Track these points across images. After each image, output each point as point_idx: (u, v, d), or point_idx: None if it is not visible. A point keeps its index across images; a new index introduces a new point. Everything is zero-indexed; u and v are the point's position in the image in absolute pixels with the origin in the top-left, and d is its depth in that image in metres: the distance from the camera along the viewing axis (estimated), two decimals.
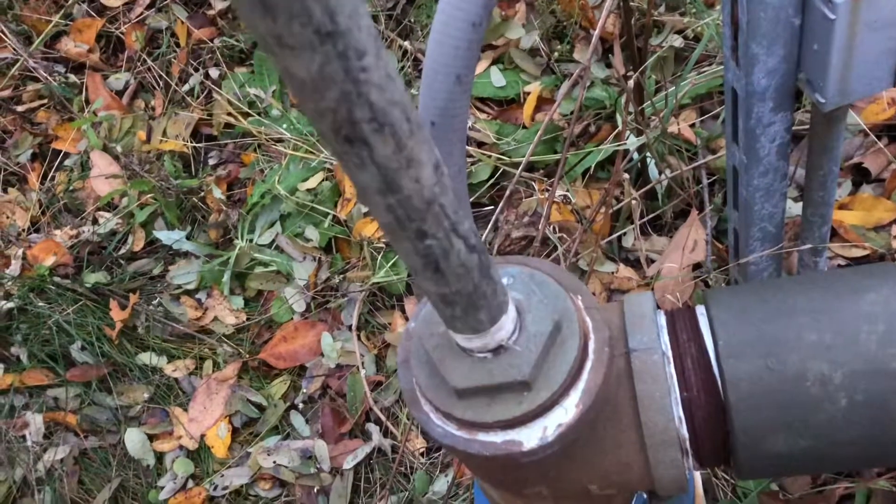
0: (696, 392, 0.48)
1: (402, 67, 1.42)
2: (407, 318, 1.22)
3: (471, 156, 1.25)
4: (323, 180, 1.31)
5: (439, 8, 0.45)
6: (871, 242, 1.05)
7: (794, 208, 1.10)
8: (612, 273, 1.17)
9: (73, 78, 1.70)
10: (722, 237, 1.12)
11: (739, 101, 0.75)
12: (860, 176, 1.10)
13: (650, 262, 1.17)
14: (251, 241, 1.33)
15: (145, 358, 1.30)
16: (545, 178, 1.22)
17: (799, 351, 0.46)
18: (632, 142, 1.05)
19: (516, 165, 1.24)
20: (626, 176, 1.10)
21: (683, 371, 0.48)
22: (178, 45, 1.67)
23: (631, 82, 0.95)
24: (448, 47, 0.44)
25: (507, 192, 0.90)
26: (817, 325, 0.46)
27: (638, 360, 0.47)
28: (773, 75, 0.71)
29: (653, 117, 1.13)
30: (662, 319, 0.51)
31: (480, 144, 1.29)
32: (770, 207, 0.87)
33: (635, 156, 1.09)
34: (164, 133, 1.55)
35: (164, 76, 1.62)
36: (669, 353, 0.49)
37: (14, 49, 1.75)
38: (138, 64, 1.67)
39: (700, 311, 0.51)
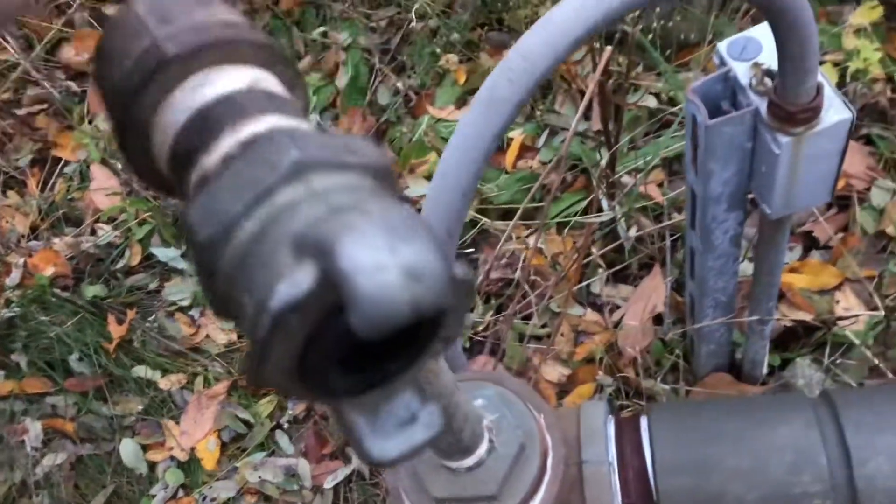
0: (636, 500, 0.57)
1: (394, 101, 1.50)
2: None
3: None
4: None
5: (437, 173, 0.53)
6: (816, 306, 1.15)
7: (749, 268, 1.20)
8: (581, 316, 1.27)
9: (73, 86, 1.76)
10: (682, 290, 1.22)
11: (697, 200, 0.85)
12: (810, 242, 1.20)
13: (616, 307, 1.27)
14: None
15: (140, 371, 1.38)
16: (524, 223, 1.31)
17: (721, 473, 0.56)
18: (607, 214, 1.14)
19: (498, 209, 1.33)
20: (597, 230, 1.19)
21: (626, 481, 0.57)
22: None
23: (606, 157, 1.04)
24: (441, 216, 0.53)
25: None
26: (737, 452, 0.56)
27: (588, 471, 0.57)
28: (727, 185, 0.80)
29: (624, 176, 1.22)
30: (612, 429, 0.61)
31: None
32: (722, 283, 0.97)
33: (606, 211, 1.18)
34: None
35: None
36: (615, 464, 0.58)
37: (15, 52, 1.80)
38: None
39: (644, 424, 0.61)
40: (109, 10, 1.84)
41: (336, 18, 1.59)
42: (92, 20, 1.82)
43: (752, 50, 0.74)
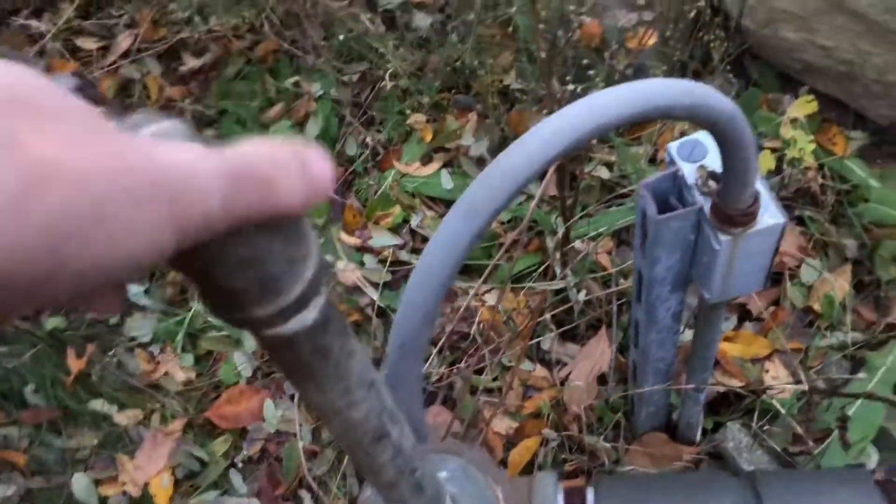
0: None
1: (362, 154, 1.56)
2: None
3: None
4: None
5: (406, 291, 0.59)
6: (747, 373, 1.24)
7: (690, 334, 1.28)
8: (531, 372, 1.33)
9: None
10: (626, 351, 1.30)
11: (643, 280, 0.92)
12: (744, 313, 1.30)
13: (564, 364, 1.34)
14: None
15: (97, 405, 1.40)
16: (483, 280, 1.37)
17: None
18: (560, 283, 1.22)
19: None
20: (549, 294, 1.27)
21: None
22: (149, 96, 1.76)
23: (562, 230, 1.12)
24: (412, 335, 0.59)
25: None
26: None
27: None
28: (670, 270, 0.88)
29: (577, 242, 1.30)
30: (561, 500, 0.67)
31: (425, 240, 1.44)
32: (662, 353, 1.05)
33: (559, 280, 1.25)
34: None
35: None
36: None
37: None
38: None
39: (590, 497, 0.67)
40: (82, 42, 1.87)
41: (309, 69, 1.65)
42: (64, 51, 1.85)
43: (699, 152, 0.83)
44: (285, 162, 0.29)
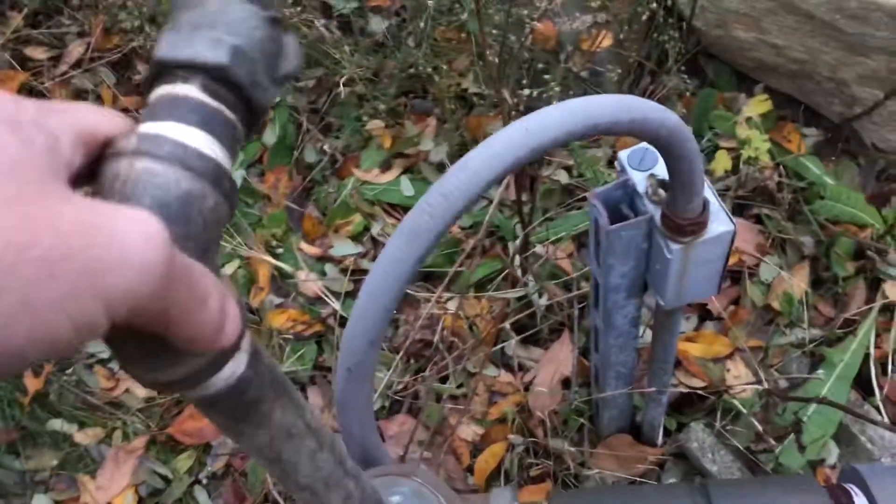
0: None
1: (320, 161, 1.54)
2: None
3: None
4: (238, 268, 1.42)
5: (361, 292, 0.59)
6: (709, 373, 1.25)
7: (650, 335, 1.29)
8: (495, 377, 1.33)
9: None
10: (589, 354, 1.30)
11: (600, 288, 0.92)
12: (705, 313, 1.31)
13: (528, 369, 1.34)
14: None
15: (56, 425, 1.38)
16: (444, 287, 1.37)
17: None
18: (520, 291, 1.21)
19: (419, 272, 1.38)
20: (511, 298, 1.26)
21: None
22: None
23: (521, 237, 1.11)
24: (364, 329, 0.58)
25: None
26: None
27: None
28: (625, 277, 0.88)
29: (537, 247, 1.30)
30: None
31: None
32: (623, 357, 1.05)
33: (521, 287, 1.25)
34: None
35: None
36: None
37: None
38: None
39: None
40: (31, 51, 1.83)
41: None
42: (13, 62, 1.81)
43: (649, 160, 0.83)
44: (222, 293, 0.28)
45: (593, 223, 0.84)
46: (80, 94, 1.76)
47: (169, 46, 0.29)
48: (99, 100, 1.74)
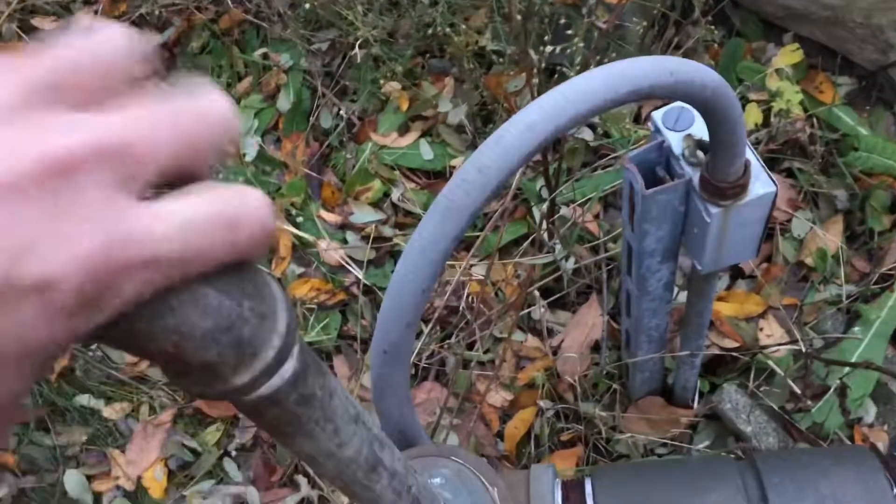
0: None
1: (337, 126, 1.51)
2: (336, 376, 1.33)
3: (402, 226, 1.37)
4: None
5: (395, 274, 0.56)
6: (742, 333, 1.23)
7: (683, 296, 1.26)
8: (523, 342, 1.31)
9: None
10: (618, 317, 1.28)
11: (633, 253, 0.89)
12: (736, 271, 1.28)
13: (555, 333, 1.32)
14: None
15: (84, 400, 1.37)
16: (465, 251, 1.34)
17: None
18: (548, 257, 1.19)
19: None
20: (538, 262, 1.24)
21: None
22: None
23: (547, 202, 1.08)
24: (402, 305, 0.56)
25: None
26: None
27: None
28: (660, 241, 0.85)
29: (563, 209, 1.27)
30: (559, 495, 0.65)
31: (408, 213, 1.40)
32: (656, 321, 1.03)
33: (547, 253, 1.22)
34: None
35: None
36: None
37: None
38: None
39: (588, 489, 0.65)
40: (38, 21, 1.79)
41: (277, 40, 1.59)
42: (21, 32, 1.77)
43: (685, 120, 0.79)
44: (241, 199, 0.25)
45: (627, 188, 0.81)
46: None
47: None
48: None
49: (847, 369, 1.11)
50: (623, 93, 0.55)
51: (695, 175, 0.77)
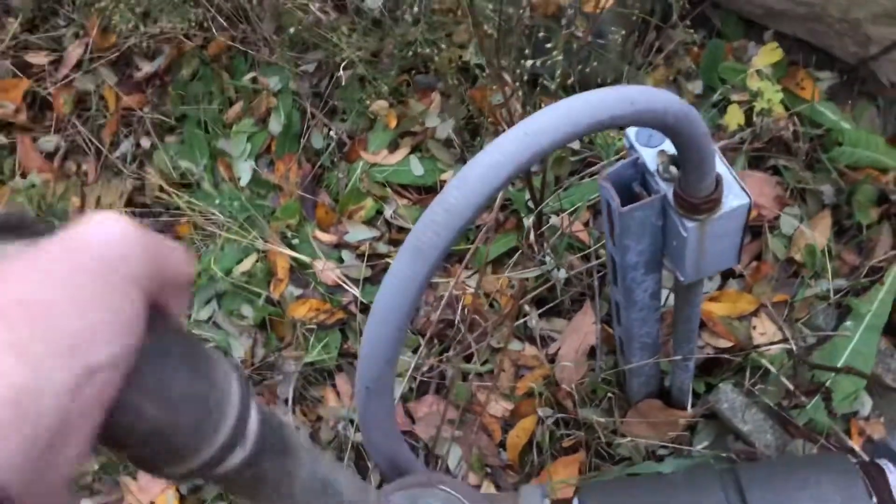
0: None
1: (328, 146, 1.53)
2: (338, 394, 1.35)
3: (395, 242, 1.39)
4: (256, 262, 1.43)
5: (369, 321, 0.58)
6: (735, 332, 1.24)
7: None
8: (520, 351, 1.33)
9: (1, 138, 1.74)
10: (612, 322, 1.29)
11: (617, 266, 0.91)
12: (727, 271, 1.29)
13: (552, 340, 1.34)
14: (189, 316, 1.44)
15: None
16: (458, 264, 1.36)
17: None
18: (537, 270, 1.20)
19: None
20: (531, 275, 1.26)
21: None
22: (107, 108, 1.73)
23: (535, 214, 1.10)
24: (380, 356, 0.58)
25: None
26: None
27: None
28: (642, 255, 0.87)
29: (552, 218, 1.28)
30: None
31: (401, 230, 1.42)
32: (646, 329, 1.04)
33: (537, 266, 1.24)
34: (98, 201, 1.62)
35: (95, 141, 1.69)
36: None
37: None
38: (68, 126, 1.72)
39: None
40: (31, 57, 1.82)
41: (265, 64, 1.61)
42: (15, 69, 1.80)
43: (657, 137, 0.81)
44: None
45: (605, 205, 0.83)
46: (83, 97, 1.76)
47: None
48: (103, 99, 1.73)
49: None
50: (584, 125, 0.57)
51: (669, 190, 0.78)
